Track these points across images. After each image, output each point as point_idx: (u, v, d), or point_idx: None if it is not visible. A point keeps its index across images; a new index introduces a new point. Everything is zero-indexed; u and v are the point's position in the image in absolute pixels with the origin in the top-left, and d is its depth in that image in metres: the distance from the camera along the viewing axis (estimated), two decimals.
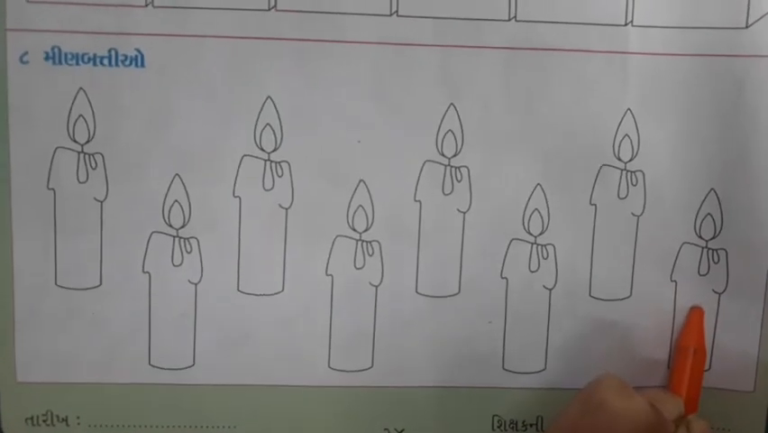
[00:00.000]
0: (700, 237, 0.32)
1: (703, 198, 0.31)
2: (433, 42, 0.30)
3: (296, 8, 0.29)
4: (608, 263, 0.32)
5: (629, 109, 0.31)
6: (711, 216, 0.31)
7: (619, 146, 0.31)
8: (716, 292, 0.32)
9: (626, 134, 0.31)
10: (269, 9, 0.29)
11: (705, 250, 0.32)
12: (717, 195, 0.31)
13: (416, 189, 0.31)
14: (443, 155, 0.31)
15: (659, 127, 0.31)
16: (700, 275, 0.32)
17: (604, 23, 0.30)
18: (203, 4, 0.29)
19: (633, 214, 0.31)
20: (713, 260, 0.32)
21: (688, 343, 0.31)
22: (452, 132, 0.31)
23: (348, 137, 0.30)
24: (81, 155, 0.29)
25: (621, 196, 0.31)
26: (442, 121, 0.30)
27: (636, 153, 0.31)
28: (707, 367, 0.32)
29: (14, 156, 0.29)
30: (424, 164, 0.31)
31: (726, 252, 0.32)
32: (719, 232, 0.32)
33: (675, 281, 0.32)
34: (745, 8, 0.30)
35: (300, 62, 0.30)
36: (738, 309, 0.32)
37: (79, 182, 0.29)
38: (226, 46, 0.29)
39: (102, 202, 0.30)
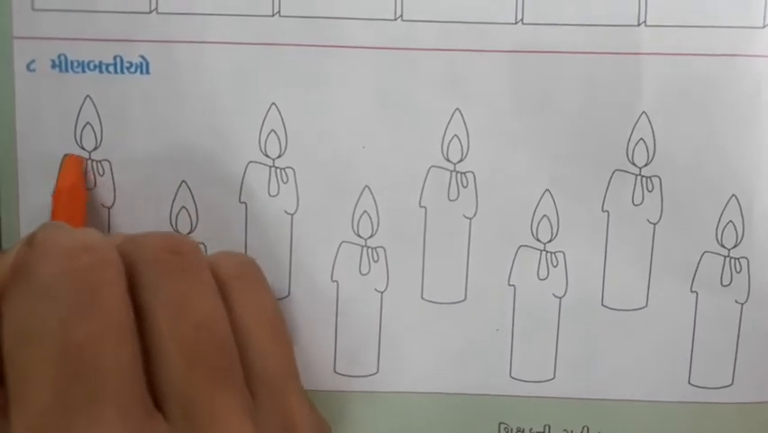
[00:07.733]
0: (722, 246, 0.30)
1: (724, 204, 0.30)
2: (438, 46, 0.30)
3: (299, 14, 0.29)
4: (623, 272, 0.31)
5: (644, 112, 0.30)
6: (733, 223, 0.30)
7: (633, 151, 0.30)
8: (738, 303, 0.31)
9: (641, 138, 0.30)
10: (273, 15, 0.29)
11: (727, 259, 0.30)
12: (738, 201, 0.30)
13: (421, 195, 0.30)
14: (448, 160, 0.30)
15: (676, 131, 0.30)
16: (723, 285, 0.31)
17: (616, 24, 0.29)
18: (207, 10, 0.29)
19: (649, 221, 0.30)
20: (735, 269, 0.31)
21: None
22: (457, 137, 0.30)
23: (352, 143, 0.30)
24: (89, 162, 0.30)
25: (636, 202, 0.30)
26: (447, 126, 0.30)
27: (652, 158, 0.30)
28: (729, 382, 0.31)
29: (22, 164, 0.30)
30: (429, 170, 0.30)
31: (748, 260, 0.30)
32: (741, 240, 0.30)
33: (696, 292, 0.31)
34: (762, 7, 0.29)
35: (304, 68, 0.30)
36: (761, 320, 0.31)
37: (87, 189, 0.30)
38: (230, 52, 0.29)
39: (109, 209, 0.30)
